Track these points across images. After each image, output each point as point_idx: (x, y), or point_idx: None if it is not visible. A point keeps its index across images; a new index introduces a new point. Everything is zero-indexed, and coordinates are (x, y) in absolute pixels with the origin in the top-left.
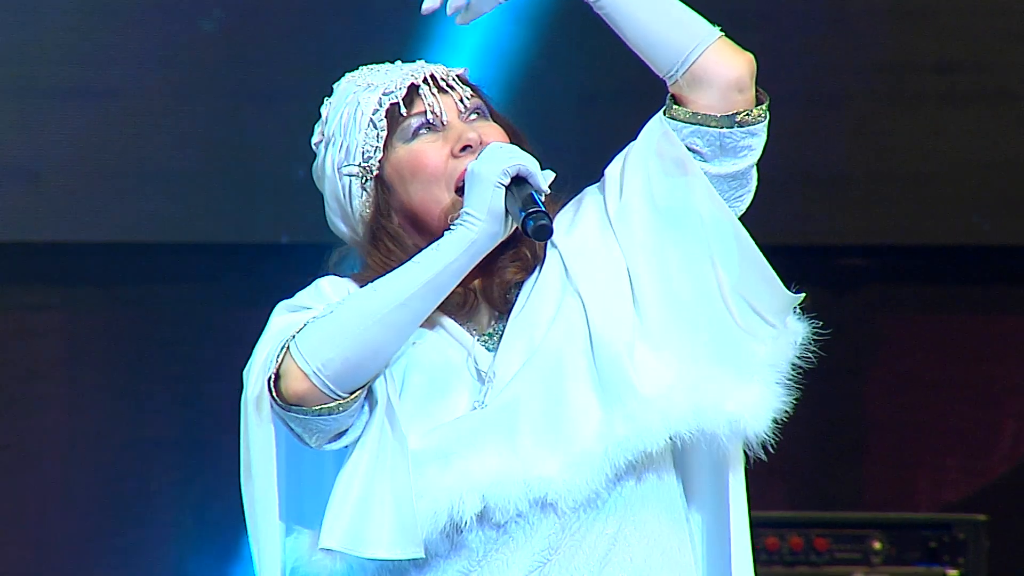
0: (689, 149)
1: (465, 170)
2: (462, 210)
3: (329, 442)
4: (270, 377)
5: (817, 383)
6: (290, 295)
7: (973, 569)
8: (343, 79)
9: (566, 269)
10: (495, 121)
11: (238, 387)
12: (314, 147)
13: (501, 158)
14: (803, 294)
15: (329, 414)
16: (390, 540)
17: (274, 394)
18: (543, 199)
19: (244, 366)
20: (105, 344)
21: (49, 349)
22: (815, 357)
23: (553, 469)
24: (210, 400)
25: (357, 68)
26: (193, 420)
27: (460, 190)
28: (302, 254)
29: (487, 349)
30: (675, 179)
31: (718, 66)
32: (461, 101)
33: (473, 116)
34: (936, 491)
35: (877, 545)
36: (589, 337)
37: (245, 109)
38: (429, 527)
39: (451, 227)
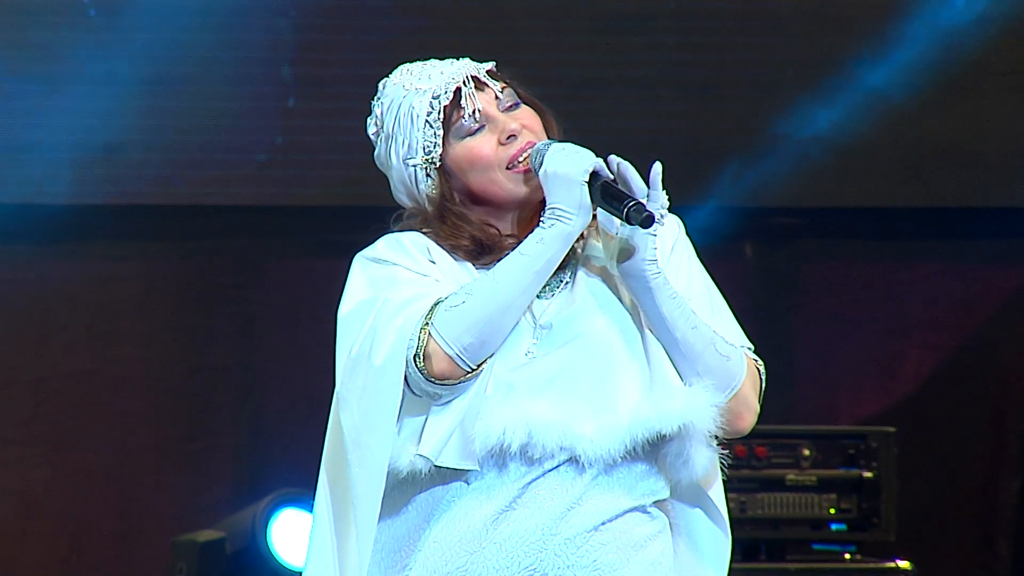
0: None
1: (520, 149)
2: (552, 207)
3: None
4: (416, 354)
5: (757, 319)
6: (328, 250)
7: (884, 472)
8: (390, 80)
9: None
10: (525, 103)
11: (285, 323)
12: (371, 136)
13: (577, 159)
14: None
15: (464, 382)
16: (455, 452)
17: (423, 371)
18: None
19: (287, 306)
20: (175, 287)
21: (129, 292)
22: (757, 298)
23: (588, 430)
24: (261, 334)
25: (395, 67)
26: (247, 350)
27: (510, 167)
28: (339, 215)
29: (538, 297)
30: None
31: (732, 422)
32: (496, 97)
33: (509, 104)
34: (854, 408)
35: (806, 452)
36: (643, 336)
37: (292, 94)
38: (481, 445)
39: (543, 222)
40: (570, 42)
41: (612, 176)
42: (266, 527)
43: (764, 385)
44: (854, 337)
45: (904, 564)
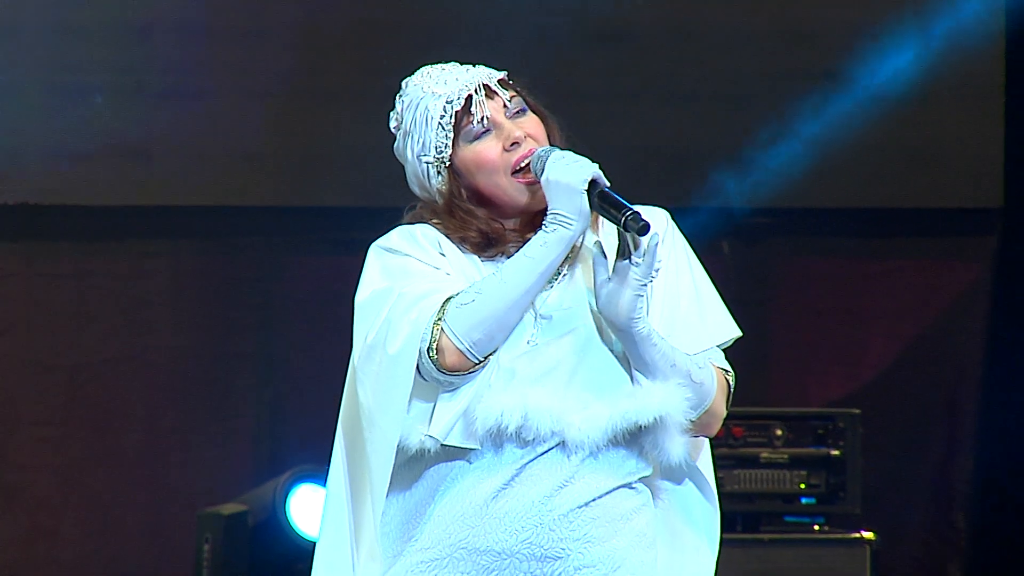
0: None
1: (522, 156)
2: (554, 213)
3: None
4: (430, 347)
5: (734, 311)
6: (342, 247)
7: (850, 449)
8: (411, 80)
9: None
10: (532, 111)
11: (301, 314)
12: (392, 130)
13: (577, 169)
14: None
15: (473, 373)
16: (459, 432)
17: (436, 363)
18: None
19: (303, 299)
20: (200, 281)
21: (158, 285)
22: (733, 292)
23: (577, 419)
24: (280, 324)
25: (417, 69)
26: (267, 339)
27: (515, 173)
28: (351, 215)
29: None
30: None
31: (701, 430)
32: (505, 105)
33: (516, 113)
34: (823, 391)
35: (779, 432)
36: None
37: (307, 105)
38: (481, 425)
39: (546, 226)
40: (561, 54)
41: (609, 184)
42: (285, 501)
43: (733, 389)
44: (823, 327)
45: (868, 534)
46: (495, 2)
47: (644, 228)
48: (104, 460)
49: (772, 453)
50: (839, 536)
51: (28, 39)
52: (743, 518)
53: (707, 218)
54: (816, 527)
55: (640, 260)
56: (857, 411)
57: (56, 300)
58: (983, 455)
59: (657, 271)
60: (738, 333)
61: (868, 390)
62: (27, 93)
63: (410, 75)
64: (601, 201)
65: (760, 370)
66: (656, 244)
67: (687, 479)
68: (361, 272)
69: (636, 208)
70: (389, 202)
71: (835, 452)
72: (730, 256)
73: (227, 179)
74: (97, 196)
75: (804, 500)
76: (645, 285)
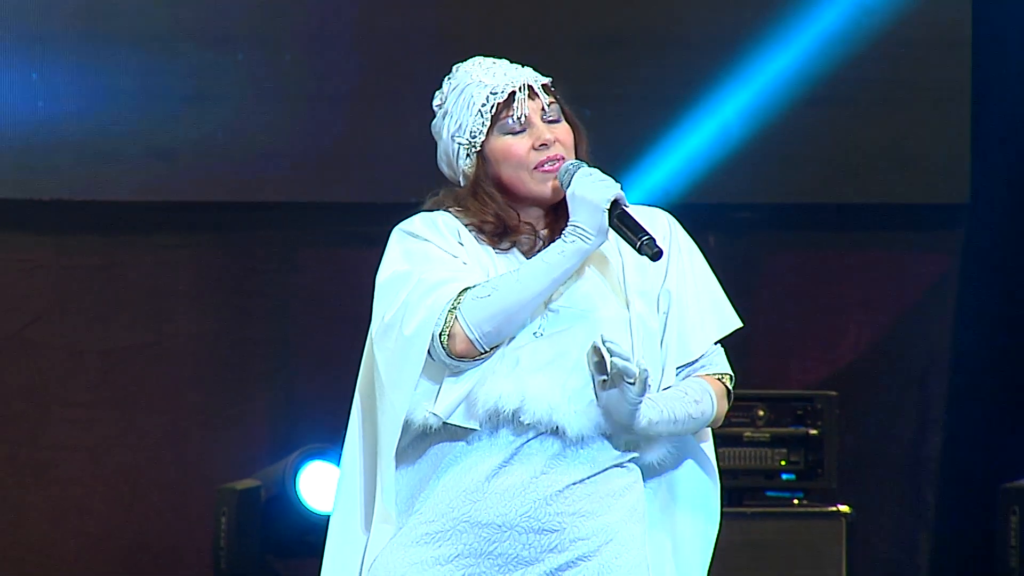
0: None
1: (548, 157)
2: (574, 225)
3: None
4: (442, 332)
5: None
6: (353, 240)
7: (828, 429)
8: (462, 66)
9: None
10: (567, 121)
11: (313, 303)
12: (435, 107)
13: (602, 188)
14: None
15: (479, 361)
16: (462, 413)
17: (446, 348)
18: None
19: (316, 289)
20: (219, 272)
21: (180, 276)
22: (720, 282)
23: (571, 409)
24: (294, 313)
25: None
26: (281, 327)
27: (537, 168)
28: (362, 210)
29: None
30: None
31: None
32: (543, 109)
33: (551, 118)
34: (803, 374)
35: (760, 412)
36: (631, 329)
37: (320, 107)
38: (481, 407)
39: (566, 236)
40: (557, 61)
41: (628, 205)
42: (295, 477)
43: (732, 387)
44: (802, 315)
45: (844, 508)
46: (502, 6)
47: (658, 254)
48: (130, 440)
49: (754, 432)
50: (817, 510)
51: (62, 46)
52: (727, 493)
53: (695, 213)
54: (795, 501)
55: (632, 382)
56: (834, 393)
57: (85, 290)
58: (950, 434)
59: (648, 387)
60: (738, 324)
61: (844, 374)
62: (60, 97)
63: (459, 63)
64: (620, 222)
65: (744, 355)
66: (647, 377)
67: (691, 458)
68: (382, 254)
69: (641, 208)
70: (398, 198)
71: (813, 431)
72: (716, 248)
73: (246, 177)
74: (125, 193)
75: (784, 476)
76: (640, 401)
